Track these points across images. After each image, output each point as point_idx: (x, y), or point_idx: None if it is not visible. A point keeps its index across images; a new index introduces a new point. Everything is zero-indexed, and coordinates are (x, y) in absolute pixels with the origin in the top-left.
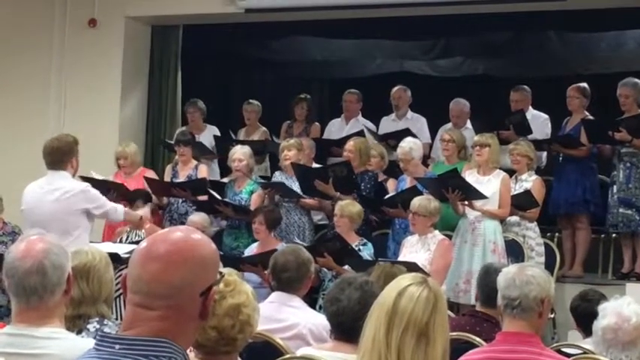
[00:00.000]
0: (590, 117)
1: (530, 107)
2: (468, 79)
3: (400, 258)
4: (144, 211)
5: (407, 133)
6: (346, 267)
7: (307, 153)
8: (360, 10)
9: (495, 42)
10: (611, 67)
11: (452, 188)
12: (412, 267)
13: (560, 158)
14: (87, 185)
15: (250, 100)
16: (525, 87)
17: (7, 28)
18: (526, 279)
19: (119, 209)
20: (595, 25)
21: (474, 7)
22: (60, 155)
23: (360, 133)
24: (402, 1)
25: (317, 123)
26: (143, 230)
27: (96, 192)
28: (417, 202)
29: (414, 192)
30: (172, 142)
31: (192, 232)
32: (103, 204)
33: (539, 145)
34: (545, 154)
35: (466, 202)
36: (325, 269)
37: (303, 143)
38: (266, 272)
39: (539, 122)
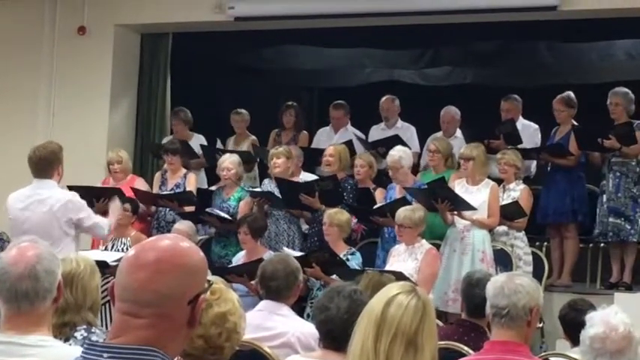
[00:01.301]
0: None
1: (521, 117)
2: (456, 88)
3: (387, 267)
4: (115, 206)
5: (396, 139)
6: (334, 276)
7: (295, 162)
8: (349, 19)
9: (484, 51)
10: (600, 77)
11: (441, 199)
12: (399, 276)
13: (549, 167)
14: (73, 195)
15: (238, 110)
16: (516, 96)
17: None
18: (515, 288)
19: (104, 224)
20: (585, 35)
21: (464, 17)
22: (47, 164)
23: (349, 142)
24: (391, 10)
25: (305, 131)
26: (129, 238)
27: (82, 202)
28: (401, 213)
29: (403, 202)
30: (161, 144)
31: (181, 240)
32: (88, 216)
33: (528, 153)
34: (534, 163)
35: (455, 212)
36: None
37: (292, 151)
38: (252, 282)
39: (530, 132)
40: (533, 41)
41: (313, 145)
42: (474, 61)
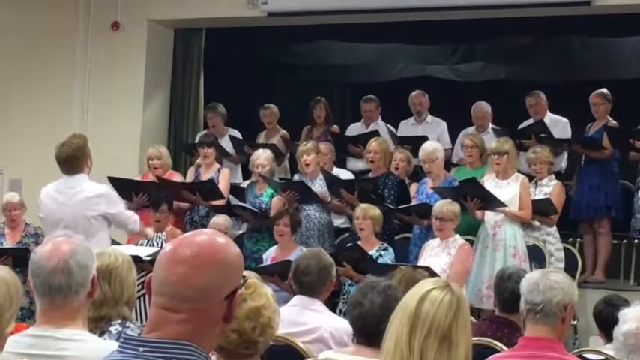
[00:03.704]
0: (613, 122)
1: (549, 112)
2: (489, 84)
3: (420, 262)
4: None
5: (425, 140)
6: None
7: (329, 157)
8: (382, 14)
9: (517, 47)
10: (633, 73)
11: (470, 197)
12: (429, 271)
13: (582, 162)
14: (107, 189)
15: (266, 105)
16: (539, 92)
17: (30, 32)
18: (549, 284)
19: (137, 219)
20: (618, 30)
21: (497, 12)
22: (74, 160)
23: (376, 133)
24: (424, 5)
25: (336, 126)
26: (164, 233)
27: (115, 196)
28: (443, 207)
29: (427, 207)
30: (194, 143)
31: (217, 235)
32: (120, 211)
33: (559, 144)
34: (565, 159)
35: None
36: None
37: (323, 148)
38: (284, 282)
39: (560, 126)
40: (566, 36)
41: None
42: (507, 56)
